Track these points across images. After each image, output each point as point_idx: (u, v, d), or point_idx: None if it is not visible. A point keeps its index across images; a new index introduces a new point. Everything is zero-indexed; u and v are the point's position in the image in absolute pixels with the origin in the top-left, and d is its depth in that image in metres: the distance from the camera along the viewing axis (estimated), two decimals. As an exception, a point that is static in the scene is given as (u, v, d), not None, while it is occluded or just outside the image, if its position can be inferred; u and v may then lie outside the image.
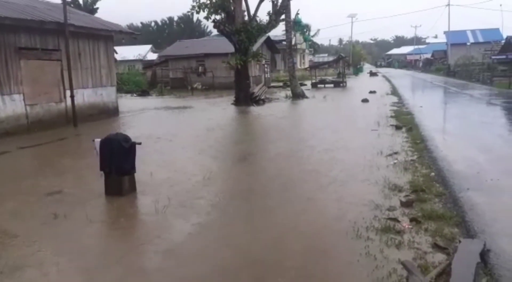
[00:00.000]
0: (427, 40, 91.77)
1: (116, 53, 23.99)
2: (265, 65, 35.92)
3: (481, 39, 51.29)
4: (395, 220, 4.63)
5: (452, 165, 6.95)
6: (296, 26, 45.98)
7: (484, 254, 3.72)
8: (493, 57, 35.36)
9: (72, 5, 32.79)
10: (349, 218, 4.71)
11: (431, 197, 5.37)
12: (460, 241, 3.96)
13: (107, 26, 15.91)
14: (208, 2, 18.79)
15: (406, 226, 4.46)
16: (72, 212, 5.18)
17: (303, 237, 4.36)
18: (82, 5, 38.49)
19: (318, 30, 69.54)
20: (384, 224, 4.51)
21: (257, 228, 4.66)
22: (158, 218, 4.95)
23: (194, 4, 19.10)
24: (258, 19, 20.22)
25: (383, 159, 7.61)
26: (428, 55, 73.34)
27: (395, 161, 7.36)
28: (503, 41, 39.75)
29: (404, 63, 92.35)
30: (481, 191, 5.61)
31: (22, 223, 4.92)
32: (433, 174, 6.50)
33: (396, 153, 8.00)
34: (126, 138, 5.87)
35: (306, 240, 4.29)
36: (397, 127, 10.99)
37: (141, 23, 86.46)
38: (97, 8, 40.22)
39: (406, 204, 5.09)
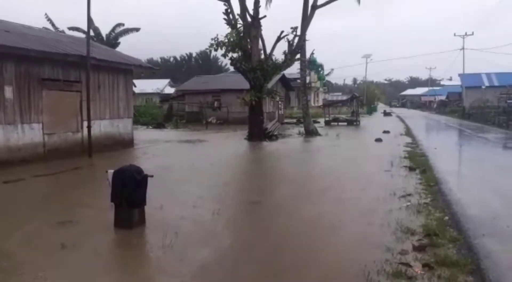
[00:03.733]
0: (442, 82, 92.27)
1: (135, 86, 24.69)
2: (279, 102, 36.35)
3: (496, 83, 51.18)
4: (407, 264, 4.49)
5: (467, 210, 6.79)
6: (311, 65, 46.94)
7: (500, 306, 3.56)
8: (508, 101, 35.15)
9: (95, 39, 34.14)
10: (359, 261, 4.59)
11: (444, 242, 5.22)
12: (475, 290, 3.81)
13: (127, 60, 16.47)
14: (226, 40, 19.40)
15: (419, 272, 4.32)
16: (80, 243, 5.17)
17: (312, 279, 4.25)
18: (104, 39, 39.98)
19: (332, 70, 70.73)
20: (395, 268, 4.38)
21: (264, 267, 4.57)
22: (164, 255, 4.89)
23: (213, 42, 19.73)
24: (274, 58, 20.71)
25: (396, 200, 7.49)
26: (443, 97, 73.40)
27: (408, 203, 7.23)
28: (518, 85, 39.65)
29: (418, 104, 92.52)
30: (497, 237, 5.45)
31: (31, 251, 4.93)
32: (447, 217, 6.35)
33: (409, 195, 7.86)
34: (139, 171, 5.91)
35: (314, 282, 4.19)
36: (411, 169, 10.86)
37: (161, 58, 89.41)
38: (119, 42, 41.69)
39: (418, 248, 4.95)
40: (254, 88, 19.91)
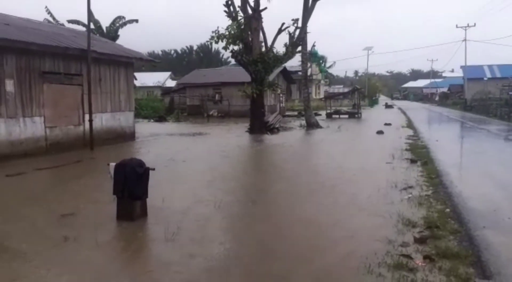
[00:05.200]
0: (444, 74, 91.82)
1: (136, 79, 24.63)
2: (281, 95, 36.31)
3: (498, 75, 51.03)
4: (408, 256, 4.51)
5: (468, 202, 6.80)
6: (312, 57, 46.77)
7: (500, 297, 3.58)
8: (510, 93, 35.06)
9: (95, 32, 33.97)
10: (361, 253, 4.61)
11: (445, 234, 5.23)
12: (475, 282, 3.83)
13: (128, 53, 16.42)
14: (227, 33, 19.32)
15: (420, 264, 4.34)
16: (82, 235, 5.20)
17: (314, 271, 4.29)
18: (105, 32, 39.78)
19: (334, 62, 70.60)
20: (396, 260, 4.40)
21: (266, 260, 4.60)
22: (166, 246, 4.92)
23: (214, 34, 19.66)
24: (275, 50, 20.63)
25: (397, 192, 7.50)
26: (445, 89, 73.18)
27: (410, 195, 7.23)
28: (521, 77, 39.52)
29: (420, 96, 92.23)
30: (498, 229, 5.45)
31: (34, 244, 4.95)
32: (448, 210, 6.36)
33: (410, 187, 7.87)
34: (140, 164, 5.93)
35: (316, 274, 4.21)
36: (412, 161, 10.86)
37: (162, 51, 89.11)
38: (119, 35, 41.46)
39: (420, 241, 4.96)
40: (255, 81, 19.87)
